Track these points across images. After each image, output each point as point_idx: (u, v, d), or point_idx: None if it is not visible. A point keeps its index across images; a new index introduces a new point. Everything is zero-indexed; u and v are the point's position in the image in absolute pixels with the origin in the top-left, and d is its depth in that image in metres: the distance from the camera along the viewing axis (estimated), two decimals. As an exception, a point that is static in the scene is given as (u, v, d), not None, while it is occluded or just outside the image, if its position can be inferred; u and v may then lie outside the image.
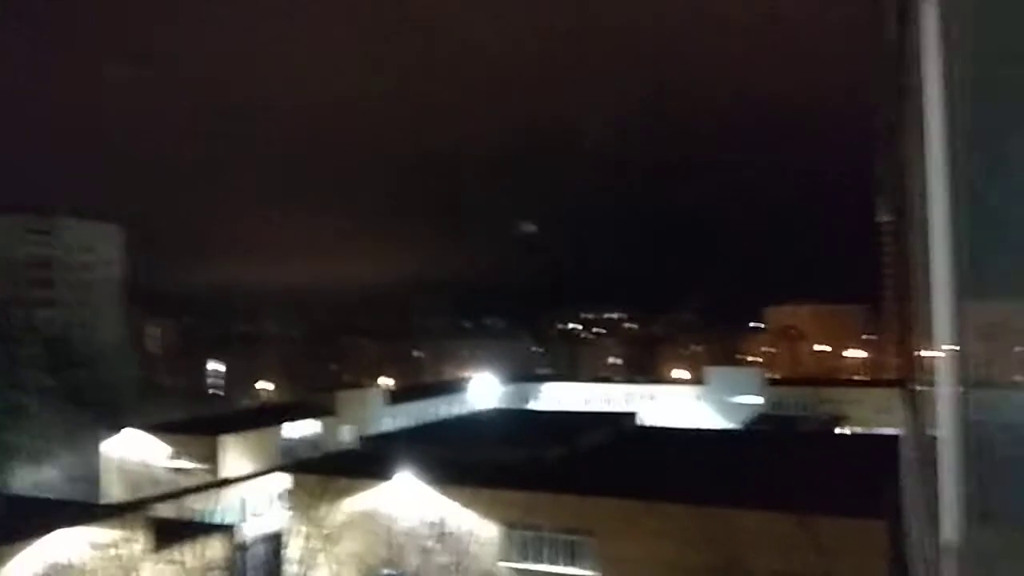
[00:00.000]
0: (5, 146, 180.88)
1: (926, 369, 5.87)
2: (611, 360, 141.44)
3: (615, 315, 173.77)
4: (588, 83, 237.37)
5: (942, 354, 3.57)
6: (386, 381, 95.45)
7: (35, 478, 55.24)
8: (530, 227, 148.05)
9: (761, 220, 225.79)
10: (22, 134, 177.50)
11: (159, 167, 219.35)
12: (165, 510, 30.69)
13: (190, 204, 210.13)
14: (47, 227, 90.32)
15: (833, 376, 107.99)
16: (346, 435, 52.56)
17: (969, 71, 2.99)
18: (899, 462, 20.95)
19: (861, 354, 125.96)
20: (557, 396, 77.25)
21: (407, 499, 27.25)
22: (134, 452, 48.32)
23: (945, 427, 3.45)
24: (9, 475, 56.77)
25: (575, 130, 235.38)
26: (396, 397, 63.91)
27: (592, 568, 24.63)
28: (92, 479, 51.23)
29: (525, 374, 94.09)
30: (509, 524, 25.94)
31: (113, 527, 26.05)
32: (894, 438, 29.55)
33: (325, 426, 53.26)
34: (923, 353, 6.35)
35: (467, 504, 26.26)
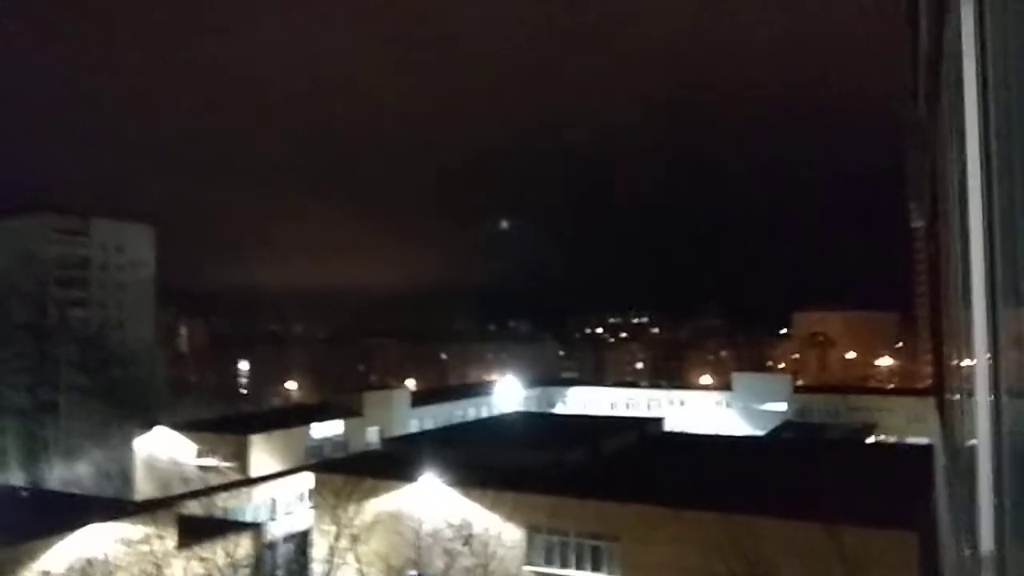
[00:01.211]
0: (40, 149, 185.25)
1: (961, 378, 5.76)
2: (637, 365, 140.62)
3: (641, 319, 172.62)
4: (617, 82, 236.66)
5: (978, 362, 3.50)
6: (411, 383, 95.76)
7: (69, 474, 56.27)
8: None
9: (791, 225, 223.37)
10: (55, 137, 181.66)
11: (190, 169, 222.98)
12: (195, 507, 31.11)
13: (219, 206, 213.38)
14: (83, 228, 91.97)
15: (863, 384, 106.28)
16: (372, 436, 52.87)
17: (1008, 71, 2.93)
18: (932, 472, 20.54)
19: (892, 362, 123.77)
20: (582, 400, 76.96)
21: (432, 501, 27.31)
22: (165, 450, 49.06)
23: (981, 437, 3.38)
24: (44, 471, 58.01)
25: (603, 133, 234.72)
26: (421, 399, 64.03)
27: (616, 573, 24.49)
28: (125, 476, 52.08)
29: (550, 378, 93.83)
30: (533, 528, 25.89)
31: (144, 524, 26.47)
32: (927, 447, 28.96)
33: (351, 426, 53.62)
34: (957, 362, 6.22)
35: (491, 507, 26.24)
